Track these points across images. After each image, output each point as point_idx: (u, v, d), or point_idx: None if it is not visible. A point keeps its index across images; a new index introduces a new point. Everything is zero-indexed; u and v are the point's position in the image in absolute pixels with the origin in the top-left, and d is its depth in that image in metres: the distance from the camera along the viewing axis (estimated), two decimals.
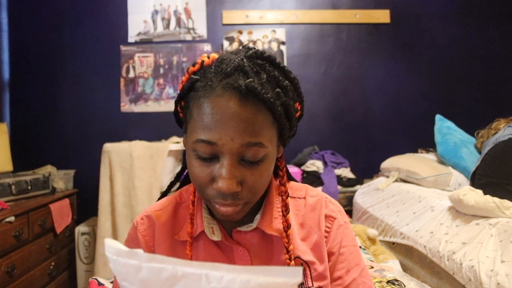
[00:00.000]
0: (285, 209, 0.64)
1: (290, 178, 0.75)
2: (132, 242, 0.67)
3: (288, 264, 0.61)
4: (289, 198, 0.66)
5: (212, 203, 0.58)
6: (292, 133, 0.64)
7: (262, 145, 0.54)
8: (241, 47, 0.60)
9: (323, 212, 0.68)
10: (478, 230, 1.21)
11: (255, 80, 0.53)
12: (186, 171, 0.75)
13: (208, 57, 0.57)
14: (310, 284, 0.63)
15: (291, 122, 0.59)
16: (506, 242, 1.09)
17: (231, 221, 0.62)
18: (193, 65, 0.58)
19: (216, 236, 0.63)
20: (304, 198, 0.70)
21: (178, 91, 0.61)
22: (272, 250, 0.65)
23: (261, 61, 0.56)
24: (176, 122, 0.66)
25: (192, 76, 0.57)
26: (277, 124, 0.57)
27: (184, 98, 0.59)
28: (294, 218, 0.68)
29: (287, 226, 0.63)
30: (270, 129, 0.56)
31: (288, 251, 0.61)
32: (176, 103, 0.62)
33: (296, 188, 0.72)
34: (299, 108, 0.63)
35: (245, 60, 0.55)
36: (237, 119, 0.52)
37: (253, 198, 0.58)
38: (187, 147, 0.59)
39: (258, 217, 0.64)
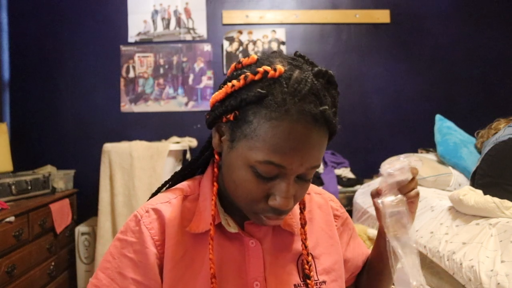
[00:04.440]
0: (303, 206, 0.67)
1: None
2: (132, 235, 0.62)
3: (299, 257, 0.66)
4: None
5: (261, 215, 0.59)
6: None
7: (319, 165, 0.58)
8: (297, 57, 0.59)
9: (330, 212, 0.74)
10: (478, 230, 1.21)
11: (327, 107, 0.54)
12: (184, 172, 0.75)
13: (275, 70, 0.54)
14: (316, 278, 0.66)
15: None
16: (506, 242, 1.09)
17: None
18: (254, 74, 0.55)
19: (233, 228, 0.64)
20: (309, 194, 0.74)
21: (227, 93, 0.58)
22: (282, 244, 0.67)
23: (322, 80, 0.56)
24: (209, 122, 0.63)
25: (259, 90, 0.53)
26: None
27: (242, 108, 0.55)
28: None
29: (304, 223, 0.66)
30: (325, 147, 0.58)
31: (306, 247, 0.65)
32: (229, 109, 0.57)
33: None
34: None
35: (315, 80, 0.54)
36: (309, 146, 0.53)
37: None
38: (242, 163, 0.56)
39: None
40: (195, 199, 0.66)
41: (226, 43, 2.73)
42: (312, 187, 0.75)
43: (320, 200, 0.74)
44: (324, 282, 0.66)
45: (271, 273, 0.63)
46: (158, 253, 0.61)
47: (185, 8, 2.74)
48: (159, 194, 0.69)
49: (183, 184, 0.69)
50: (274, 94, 0.53)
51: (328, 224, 0.72)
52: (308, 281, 0.63)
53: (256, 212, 0.59)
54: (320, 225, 0.71)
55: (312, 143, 0.53)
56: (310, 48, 2.77)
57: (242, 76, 0.56)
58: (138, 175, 2.15)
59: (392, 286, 0.75)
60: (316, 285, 0.65)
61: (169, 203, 0.64)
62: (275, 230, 0.67)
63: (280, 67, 0.54)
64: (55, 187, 2.24)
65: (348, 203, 2.32)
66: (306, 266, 0.64)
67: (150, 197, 0.70)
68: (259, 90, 0.53)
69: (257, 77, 0.54)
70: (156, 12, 2.73)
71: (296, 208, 0.68)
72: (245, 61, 0.59)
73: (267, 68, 0.54)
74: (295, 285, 0.63)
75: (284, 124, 0.52)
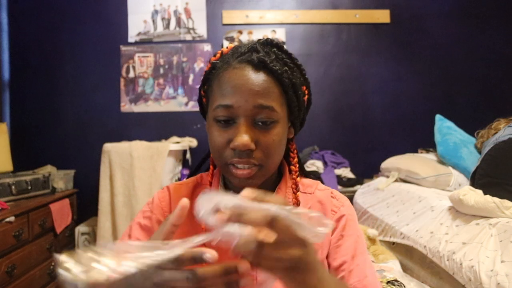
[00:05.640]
0: (296, 187, 0.70)
1: (304, 173, 0.79)
2: (146, 206, 0.72)
3: None
4: (299, 192, 0.71)
5: (229, 165, 0.63)
6: (302, 118, 0.72)
7: (272, 108, 0.62)
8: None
9: (329, 207, 0.73)
10: (478, 230, 1.21)
11: (266, 56, 0.63)
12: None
13: (227, 47, 0.68)
14: None
15: (299, 99, 0.67)
16: (506, 242, 1.09)
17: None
18: (214, 55, 0.68)
19: None
20: (313, 193, 0.75)
21: (201, 81, 0.70)
22: None
23: (271, 47, 0.66)
24: (200, 111, 0.74)
25: (213, 61, 0.67)
26: (286, 96, 0.65)
27: (207, 82, 0.68)
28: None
29: (297, 203, 0.69)
30: (279, 98, 0.64)
31: None
32: (200, 88, 0.71)
33: (307, 184, 0.76)
34: (306, 92, 0.70)
35: (257, 44, 0.65)
36: (250, 84, 0.61)
37: (267, 162, 0.64)
38: (209, 120, 0.66)
39: None
40: (206, 187, 0.74)
41: (226, 43, 2.73)
42: (319, 186, 0.77)
43: (322, 195, 0.75)
44: None
45: None
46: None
47: (185, 8, 2.74)
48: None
49: (200, 174, 0.78)
50: (223, 60, 0.65)
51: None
52: None
53: (225, 162, 0.64)
54: None
55: (252, 83, 0.61)
56: (310, 48, 2.77)
57: (208, 61, 0.69)
58: (138, 175, 2.15)
59: None
60: None
61: (182, 186, 0.75)
62: None
63: (231, 45, 0.68)
64: (55, 187, 2.24)
65: None
66: None
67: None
68: (212, 61, 0.67)
69: (216, 57, 0.67)
70: (156, 12, 2.73)
71: (290, 192, 0.72)
72: (225, 50, 0.69)
73: (222, 48, 0.69)
74: None
75: (226, 72, 0.63)
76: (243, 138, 0.60)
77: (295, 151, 0.74)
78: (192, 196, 0.73)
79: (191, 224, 0.69)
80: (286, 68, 0.63)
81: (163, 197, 0.73)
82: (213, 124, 0.64)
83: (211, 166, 0.73)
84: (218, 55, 0.67)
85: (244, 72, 0.62)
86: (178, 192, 0.73)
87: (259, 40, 0.67)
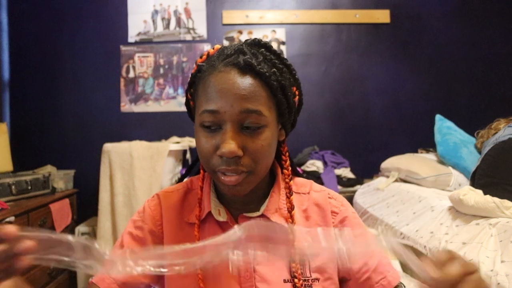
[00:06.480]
0: (289, 191, 0.68)
1: (297, 173, 0.78)
2: (137, 215, 0.73)
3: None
4: (293, 193, 0.70)
5: (217, 172, 0.61)
6: (293, 119, 0.69)
7: (260, 113, 0.59)
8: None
9: (329, 208, 0.71)
10: (478, 230, 1.21)
11: (252, 58, 0.60)
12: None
13: (213, 48, 0.65)
14: (308, 275, 0.66)
15: (289, 101, 0.64)
16: (506, 242, 1.09)
17: (237, 196, 0.65)
18: (200, 57, 0.66)
19: (222, 217, 0.67)
20: (308, 193, 0.73)
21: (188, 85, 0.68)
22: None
23: (258, 47, 0.64)
24: (188, 114, 0.72)
25: (199, 64, 0.64)
26: (274, 99, 0.62)
27: (193, 85, 0.66)
28: (298, 211, 0.70)
29: (291, 207, 0.67)
30: (268, 102, 0.61)
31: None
32: (186, 92, 0.68)
33: (301, 184, 0.75)
34: (296, 93, 0.68)
35: (244, 45, 0.63)
36: (236, 89, 0.58)
37: (256, 168, 0.62)
38: (196, 125, 0.64)
39: (264, 205, 0.68)
40: (196, 193, 0.72)
41: (226, 43, 2.73)
42: (313, 186, 0.75)
43: (319, 197, 0.73)
44: (317, 279, 0.65)
45: (260, 264, 0.64)
46: (156, 231, 0.70)
47: (185, 8, 2.74)
48: (172, 185, 0.78)
49: (190, 179, 0.76)
50: (209, 63, 0.63)
51: (325, 221, 0.70)
52: (293, 266, 0.64)
53: (213, 170, 0.62)
54: (317, 222, 0.70)
55: (238, 87, 0.58)
56: (310, 48, 2.77)
57: (195, 64, 0.66)
58: (138, 175, 2.15)
59: None
60: (308, 281, 0.64)
61: (173, 193, 0.73)
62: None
63: (218, 46, 0.65)
64: (55, 187, 2.24)
65: None
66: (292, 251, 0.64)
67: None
68: (198, 64, 0.64)
69: (203, 58, 0.65)
70: (156, 12, 2.73)
71: (284, 195, 0.70)
72: (212, 51, 0.67)
73: (209, 49, 0.66)
74: (284, 280, 0.64)
75: (211, 76, 0.61)
76: (230, 145, 0.58)
77: (287, 154, 0.72)
78: (184, 201, 0.71)
79: (180, 226, 0.69)
80: (274, 69, 0.61)
81: (154, 205, 0.71)
82: (200, 130, 0.62)
83: (201, 171, 0.71)
84: (204, 56, 0.65)
85: (229, 76, 0.59)
86: (169, 199, 0.71)
87: (246, 40, 0.65)
